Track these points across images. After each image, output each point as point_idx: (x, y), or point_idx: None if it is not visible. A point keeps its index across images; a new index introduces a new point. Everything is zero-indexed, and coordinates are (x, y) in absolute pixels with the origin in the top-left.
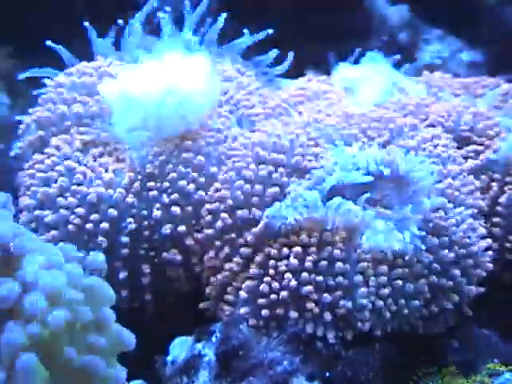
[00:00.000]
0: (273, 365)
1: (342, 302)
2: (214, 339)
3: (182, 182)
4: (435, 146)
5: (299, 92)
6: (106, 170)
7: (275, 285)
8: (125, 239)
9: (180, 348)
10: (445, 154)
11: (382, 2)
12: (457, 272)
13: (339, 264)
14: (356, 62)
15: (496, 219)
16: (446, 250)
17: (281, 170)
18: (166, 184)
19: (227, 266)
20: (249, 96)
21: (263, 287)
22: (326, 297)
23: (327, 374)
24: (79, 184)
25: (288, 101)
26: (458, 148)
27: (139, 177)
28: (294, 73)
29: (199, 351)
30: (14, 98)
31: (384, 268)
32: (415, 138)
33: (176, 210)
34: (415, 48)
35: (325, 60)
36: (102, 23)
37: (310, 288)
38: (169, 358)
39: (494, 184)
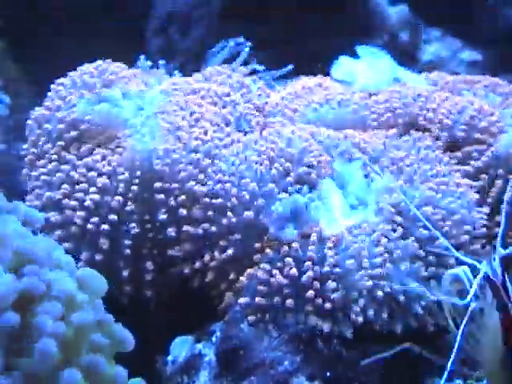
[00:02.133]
0: (274, 364)
1: (336, 293)
2: (214, 339)
3: (191, 184)
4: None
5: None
6: (100, 174)
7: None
8: (127, 242)
9: (180, 347)
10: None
11: (383, 2)
12: (452, 262)
13: (331, 252)
14: (356, 56)
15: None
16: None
17: (287, 165)
18: (175, 185)
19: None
20: (249, 96)
21: (265, 278)
22: (326, 286)
23: (328, 374)
24: (79, 191)
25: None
26: (458, 148)
27: (138, 173)
28: (294, 72)
29: (199, 351)
30: (15, 98)
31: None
32: (407, 143)
33: (183, 211)
34: (415, 47)
35: (324, 59)
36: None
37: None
38: (169, 358)
39: (498, 181)
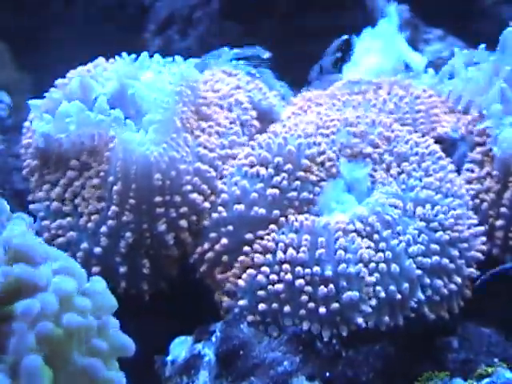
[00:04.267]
0: (273, 365)
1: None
2: (213, 339)
3: (194, 195)
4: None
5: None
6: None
7: (273, 277)
8: (124, 249)
9: (180, 348)
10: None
11: (383, 2)
12: (455, 253)
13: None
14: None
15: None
16: (440, 232)
17: (284, 174)
18: (178, 199)
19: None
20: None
21: (261, 279)
22: (322, 290)
23: (327, 374)
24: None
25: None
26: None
27: (133, 187)
28: (293, 72)
29: (199, 351)
30: (15, 98)
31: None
32: (409, 143)
33: (184, 223)
34: (416, 48)
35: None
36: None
37: (303, 281)
38: (169, 358)
39: (494, 180)
